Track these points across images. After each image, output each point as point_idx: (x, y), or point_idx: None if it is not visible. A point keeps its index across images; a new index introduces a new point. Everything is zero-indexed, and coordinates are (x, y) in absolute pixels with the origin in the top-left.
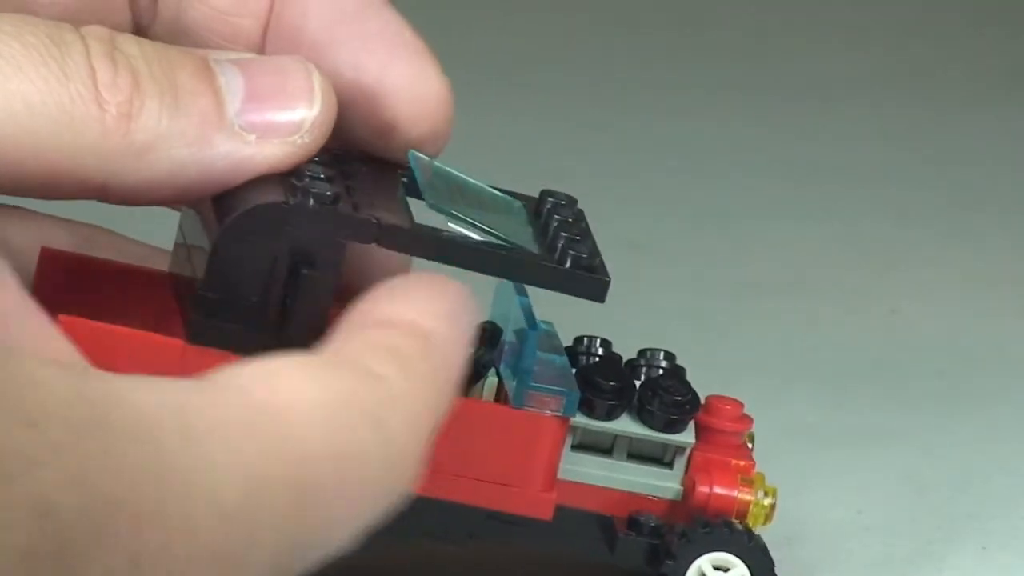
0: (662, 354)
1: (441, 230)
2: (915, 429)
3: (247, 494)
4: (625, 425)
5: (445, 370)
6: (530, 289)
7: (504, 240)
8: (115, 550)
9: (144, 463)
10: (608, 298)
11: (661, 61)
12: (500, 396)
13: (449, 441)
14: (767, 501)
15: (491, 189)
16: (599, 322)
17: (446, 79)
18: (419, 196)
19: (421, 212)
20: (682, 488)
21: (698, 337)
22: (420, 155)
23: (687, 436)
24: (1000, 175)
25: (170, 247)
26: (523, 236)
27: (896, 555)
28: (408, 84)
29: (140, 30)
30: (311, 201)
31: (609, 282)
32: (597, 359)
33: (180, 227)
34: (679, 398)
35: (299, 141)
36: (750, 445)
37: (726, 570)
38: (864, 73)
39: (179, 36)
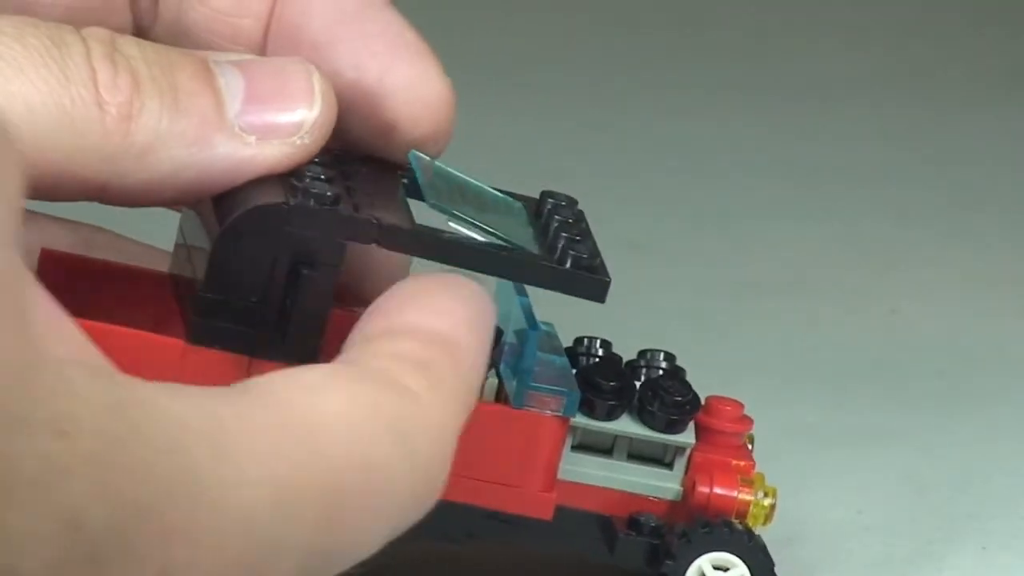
0: (662, 355)
1: (442, 230)
2: (915, 429)
3: (277, 507)
4: (625, 425)
5: (470, 381)
6: (530, 289)
7: (505, 240)
8: (143, 563)
9: (175, 476)
10: (608, 298)
11: (661, 61)
12: (500, 396)
13: None
14: (767, 501)
15: (492, 190)
16: (599, 322)
17: (448, 80)
18: (420, 197)
19: (421, 212)
20: (682, 488)
21: (698, 337)
22: (421, 155)
23: (687, 437)
24: (1000, 175)
25: (170, 248)
26: (523, 237)
27: (896, 555)
28: (409, 85)
29: (141, 32)
30: (311, 202)
31: (609, 282)
32: (597, 360)
33: (180, 228)
34: (679, 399)
35: (299, 142)
36: (750, 446)
37: (726, 570)
38: (864, 73)
39: (180, 38)
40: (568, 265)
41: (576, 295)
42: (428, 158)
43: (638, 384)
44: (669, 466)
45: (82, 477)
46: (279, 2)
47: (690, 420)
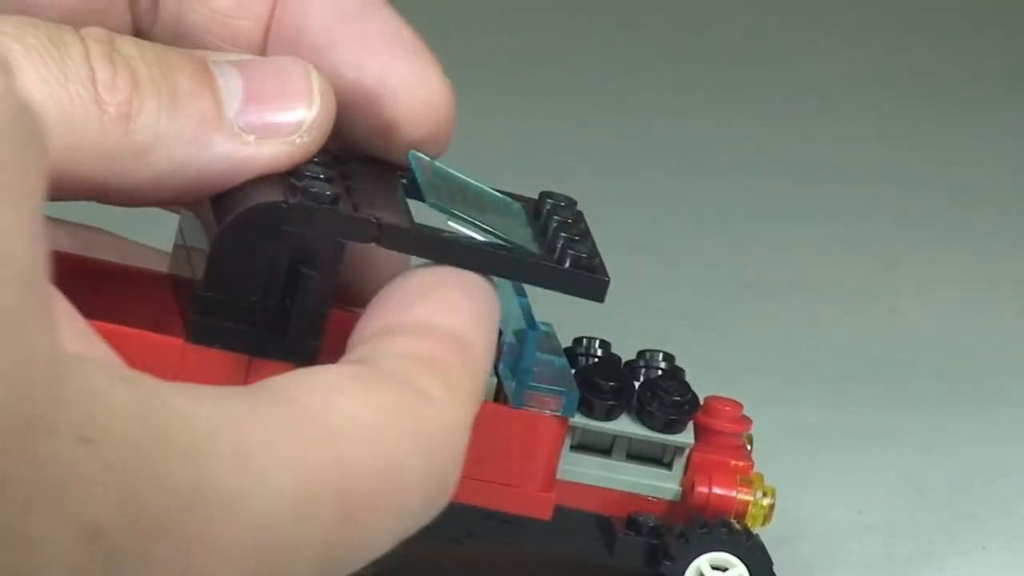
0: (661, 355)
1: (441, 230)
2: (915, 429)
3: (295, 513)
4: (624, 425)
5: (479, 378)
6: (529, 289)
7: (504, 240)
8: (161, 573)
9: (197, 486)
10: (608, 298)
11: (661, 61)
12: (499, 396)
13: None
14: (766, 501)
15: (491, 190)
16: (599, 322)
17: (447, 80)
18: (419, 197)
19: (421, 212)
20: (681, 489)
21: (698, 337)
22: (420, 155)
23: (686, 437)
24: (1000, 175)
25: (169, 248)
26: (523, 237)
27: (896, 555)
28: (409, 85)
29: (141, 33)
30: (311, 201)
31: (609, 282)
32: (596, 360)
33: (180, 228)
34: (678, 399)
35: (298, 141)
36: (749, 446)
37: (724, 570)
38: (864, 73)
39: (180, 39)
40: (567, 265)
41: (575, 295)
42: (428, 158)
43: (637, 384)
44: (668, 466)
45: (105, 487)
46: (279, 3)
47: (689, 420)
